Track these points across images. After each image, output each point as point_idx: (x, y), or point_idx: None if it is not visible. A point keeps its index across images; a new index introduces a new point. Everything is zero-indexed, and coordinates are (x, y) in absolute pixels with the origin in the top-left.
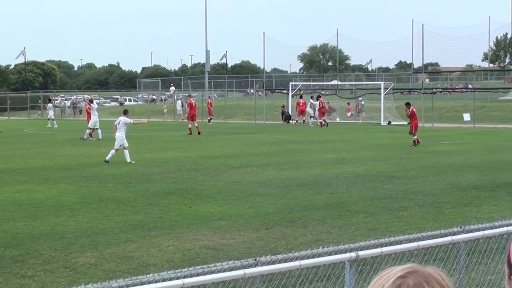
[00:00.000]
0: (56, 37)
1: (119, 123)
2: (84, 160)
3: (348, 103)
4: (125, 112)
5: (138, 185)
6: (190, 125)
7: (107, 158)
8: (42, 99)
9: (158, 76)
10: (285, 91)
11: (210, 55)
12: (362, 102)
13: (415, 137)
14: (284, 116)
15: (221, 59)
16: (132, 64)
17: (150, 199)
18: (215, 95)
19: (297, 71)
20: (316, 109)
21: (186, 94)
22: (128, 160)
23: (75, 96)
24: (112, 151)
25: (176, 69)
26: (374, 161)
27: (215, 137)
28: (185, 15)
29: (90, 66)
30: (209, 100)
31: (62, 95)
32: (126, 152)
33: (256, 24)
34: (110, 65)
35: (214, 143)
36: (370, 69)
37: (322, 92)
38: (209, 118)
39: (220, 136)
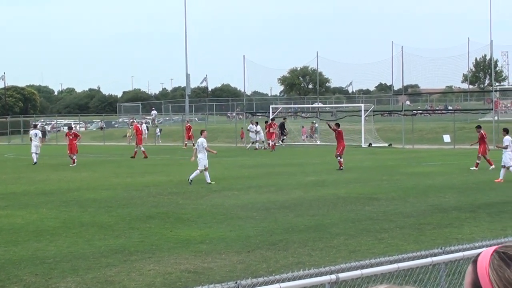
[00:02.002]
0: (36, 62)
1: (197, 145)
2: (64, 185)
3: (303, 126)
4: (201, 132)
5: (119, 209)
6: (139, 149)
7: (191, 177)
8: (22, 124)
9: (138, 100)
10: (266, 114)
11: (190, 79)
12: (316, 125)
13: (341, 159)
14: (282, 132)
15: (201, 83)
16: (113, 88)
17: (131, 223)
18: (196, 119)
19: (278, 94)
20: (260, 132)
21: (131, 120)
22: (208, 180)
23: (55, 120)
24: (197, 171)
25: (157, 93)
26: (354, 183)
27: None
28: (166, 39)
29: (70, 90)
30: (188, 124)
31: (42, 120)
32: (206, 173)
33: (236, 48)
34: (90, 90)
35: (195, 167)
36: (350, 91)
37: (303, 115)
38: (186, 143)
39: None
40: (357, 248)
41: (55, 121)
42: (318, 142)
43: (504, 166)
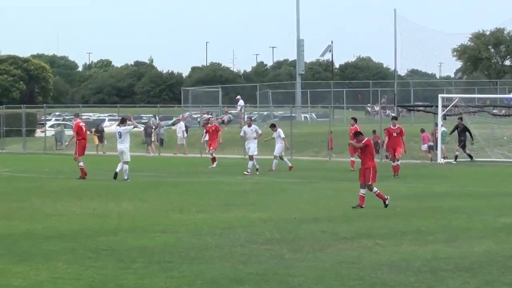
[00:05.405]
0: (49, 20)
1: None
2: (93, 222)
3: (422, 130)
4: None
5: (184, 267)
6: (82, 163)
7: None
8: (25, 119)
9: (216, 82)
10: (432, 108)
11: (304, 48)
12: (443, 129)
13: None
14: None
15: (322, 55)
16: (174, 62)
17: None
18: (313, 115)
19: (452, 75)
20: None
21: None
22: None
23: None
24: None
25: (248, 70)
26: None
27: (309, 186)
28: None
29: (104, 64)
30: (213, 123)
31: (57, 113)
32: None
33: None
34: (137, 64)
35: (309, 196)
36: None
37: (495, 111)
38: (211, 152)
39: (319, 184)
40: None
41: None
42: (441, 160)
43: None
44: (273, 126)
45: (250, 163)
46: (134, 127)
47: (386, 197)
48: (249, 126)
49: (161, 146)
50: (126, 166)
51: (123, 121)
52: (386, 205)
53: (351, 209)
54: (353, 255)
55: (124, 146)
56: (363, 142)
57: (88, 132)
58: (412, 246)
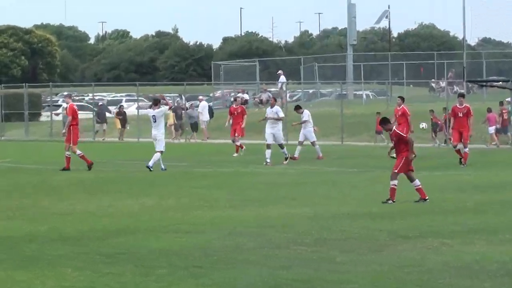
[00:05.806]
0: None
1: None
2: (105, 221)
3: (489, 110)
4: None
5: (216, 272)
6: (79, 151)
7: None
8: (27, 100)
9: (253, 55)
10: (508, 83)
11: (356, 14)
12: (510, 107)
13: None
14: None
15: (378, 22)
16: (203, 32)
17: None
18: (368, 92)
19: None
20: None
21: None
22: None
23: (90, 95)
24: None
25: (289, 40)
26: None
27: (363, 176)
28: None
29: (121, 35)
30: (239, 104)
31: (65, 93)
32: None
33: None
34: (159, 34)
35: (362, 187)
36: None
37: None
38: (237, 139)
39: (373, 174)
40: None
41: (89, 95)
42: None
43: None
44: (298, 108)
45: (283, 150)
46: (170, 108)
47: (391, 198)
48: (272, 107)
49: (196, 132)
50: (158, 155)
51: (156, 103)
52: (385, 202)
53: (413, 203)
54: (416, 257)
55: (159, 132)
56: (389, 132)
57: (109, 115)
58: (485, 246)
